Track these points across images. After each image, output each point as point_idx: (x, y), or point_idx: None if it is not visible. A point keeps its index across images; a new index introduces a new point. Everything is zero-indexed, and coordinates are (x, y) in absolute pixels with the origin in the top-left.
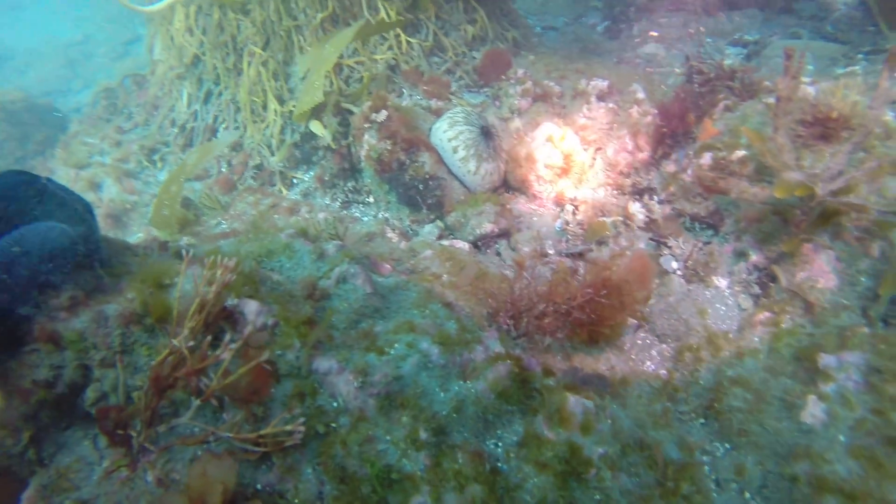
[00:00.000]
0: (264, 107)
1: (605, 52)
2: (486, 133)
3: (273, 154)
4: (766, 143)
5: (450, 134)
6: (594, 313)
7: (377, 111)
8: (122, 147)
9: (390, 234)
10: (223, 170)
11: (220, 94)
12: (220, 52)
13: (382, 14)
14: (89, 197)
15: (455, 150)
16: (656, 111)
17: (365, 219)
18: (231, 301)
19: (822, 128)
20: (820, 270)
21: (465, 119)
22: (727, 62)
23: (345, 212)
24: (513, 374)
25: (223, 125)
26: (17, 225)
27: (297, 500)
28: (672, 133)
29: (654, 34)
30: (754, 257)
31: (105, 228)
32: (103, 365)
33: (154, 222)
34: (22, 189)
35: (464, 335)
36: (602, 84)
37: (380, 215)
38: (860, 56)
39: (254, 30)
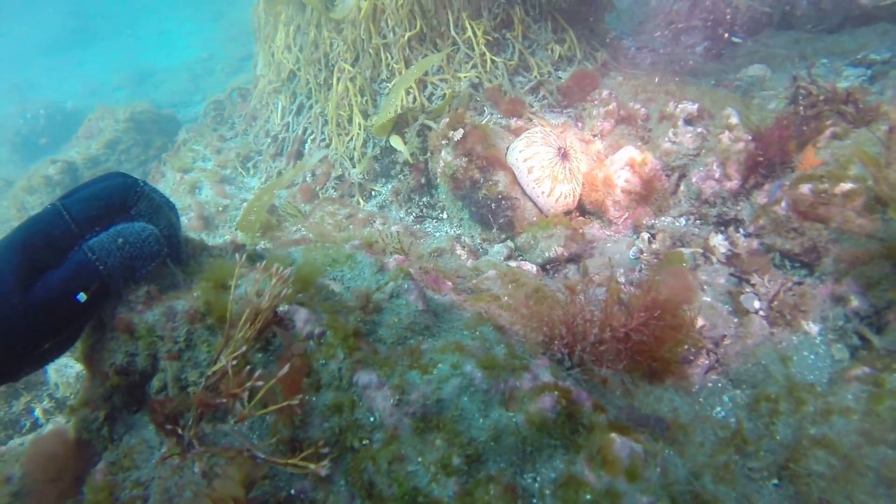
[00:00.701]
0: (350, 120)
1: (704, 74)
2: (563, 154)
3: (354, 166)
4: (884, 170)
5: (526, 154)
6: (651, 335)
7: (454, 129)
8: (221, 154)
9: (459, 251)
10: (307, 179)
11: (310, 107)
12: (314, 68)
13: (469, 34)
14: (188, 199)
15: (530, 171)
16: (750, 137)
17: (437, 234)
18: (283, 307)
19: None
20: None
21: (542, 139)
22: (842, 84)
23: (417, 226)
24: (559, 407)
25: (311, 136)
26: (116, 221)
27: None
28: (768, 162)
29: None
30: (856, 303)
31: (197, 228)
32: (169, 357)
33: (240, 225)
34: (123, 191)
35: (512, 361)
36: (691, 107)
37: (452, 231)
38: None
39: (345, 47)
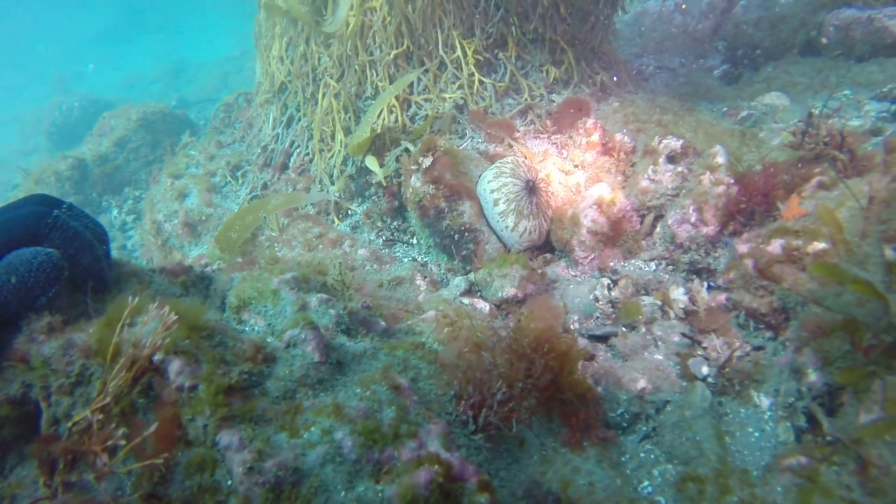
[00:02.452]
0: (332, 137)
1: (719, 98)
2: (531, 188)
3: (333, 183)
4: (845, 234)
5: (493, 185)
6: (552, 373)
7: (426, 154)
8: (213, 161)
9: (419, 282)
10: (289, 190)
11: (299, 119)
12: (302, 82)
13: (458, 53)
14: (175, 205)
15: (496, 203)
16: (733, 181)
17: (405, 260)
18: (158, 356)
19: None
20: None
21: (512, 170)
22: (853, 123)
23: (386, 250)
24: (434, 483)
25: (297, 149)
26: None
27: None
28: (751, 209)
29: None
30: (813, 378)
31: (182, 236)
32: (60, 392)
33: (219, 240)
34: (33, 223)
35: (399, 426)
36: (675, 143)
37: (419, 258)
38: None
39: (331, 63)
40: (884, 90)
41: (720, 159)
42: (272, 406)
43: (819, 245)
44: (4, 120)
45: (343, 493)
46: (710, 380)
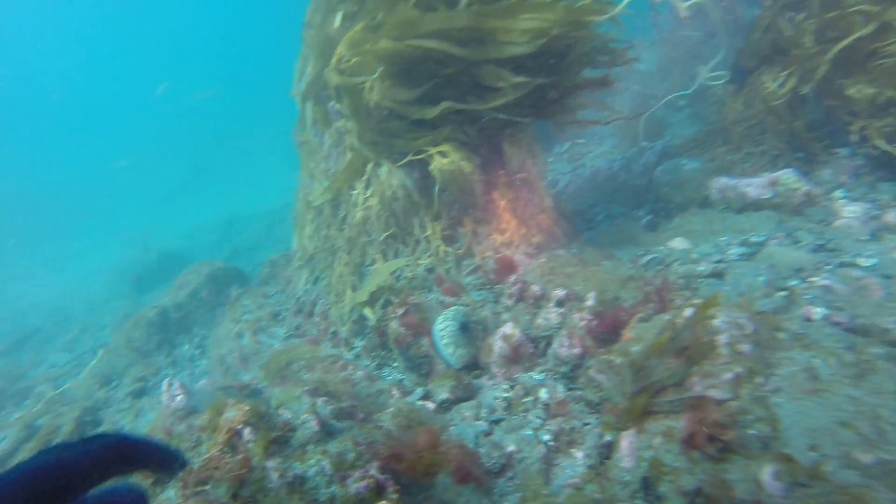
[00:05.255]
0: (344, 293)
1: (640, 244)
2: (464, 327)
3: (343, 325)
4: (633, 353)
5: (440, 326)
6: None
7: (401, 306)
8: (262, 309)
9: (395, 392)
10: (314, 333)
11: (321, 279)
12: (325, 254)
13: (429, 231)
14: (234, 344)
15: (442, 338)
16: (593, 317)
17: (389, 378)
18: (239, 426)
19: None
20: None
21: (453, 316)
22: (699, 268)
23: (377, 371)
24: (370, 488)
25: (321, 300)
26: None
27: None
28: (604, 336)
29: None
30: (608, 437)
31: (238, 366)
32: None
33: (264, 367)
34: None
35: (356, 461)
36: (561, 292)
37: (397, 377)
38: None
39: (343, 242)
40: (744, 238)
41: (589, 302)
42: (293, 451)
43: (617, 360)
44: (92, 270)
45: (324, 489)
46: (550, 443)
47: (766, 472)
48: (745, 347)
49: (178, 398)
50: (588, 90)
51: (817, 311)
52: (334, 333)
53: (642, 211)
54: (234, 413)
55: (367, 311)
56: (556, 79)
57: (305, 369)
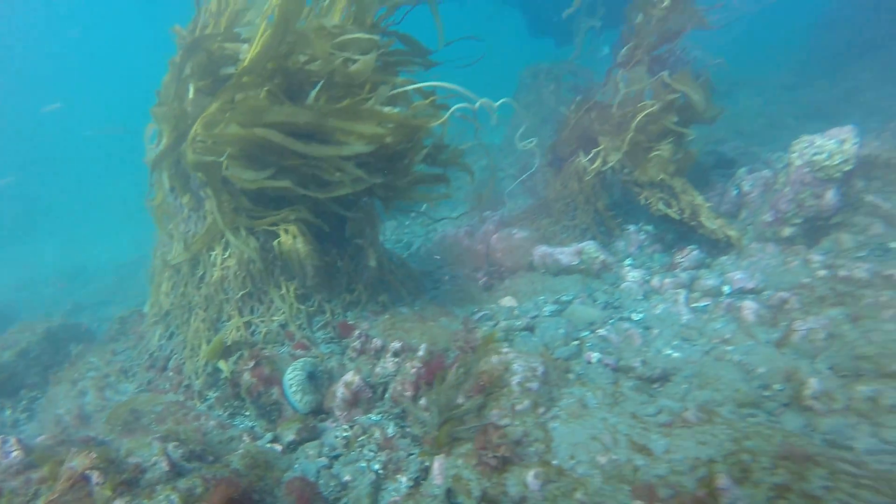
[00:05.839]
0: (199, 347)
1: (475, 302)
2: (311, 376)
3: (198, 379)
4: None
5: (289, 376)
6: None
7: (253, 359)
8: (109, 365)
9: (245, 438)
10: (166, 387)
11: (177, 335)
12: (181, 311)
13: (284, 290)
14: (76, 402)
15: (290, 387)
16: (422, 365)
17: (241, 426)
18: (88, 472)
19: None
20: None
21: (301, 367)
22: (517, 323)
23: (230, 420)
24: None
25: (175, 356)
26: None
27: None
28: (430, 381)
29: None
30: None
31: (74, 425)
32: None
33: (109, 419)
34: None
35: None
36: (397, 345)
37: (249, 424)
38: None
39: (200, 299)
40: (557, 297)
41: (420, 353)
42: (141, 490)
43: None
44: None
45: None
46: (380, 471)
47: (530, 475)
48: (533, 385)
49: (14, 454)
50: (425, 184)
51: (595, 356)
52: (188, 387)
53: (481, 273)
54: (81, 460)
55: (222, 364)
56: (393, 178)
57: (156, 422)
